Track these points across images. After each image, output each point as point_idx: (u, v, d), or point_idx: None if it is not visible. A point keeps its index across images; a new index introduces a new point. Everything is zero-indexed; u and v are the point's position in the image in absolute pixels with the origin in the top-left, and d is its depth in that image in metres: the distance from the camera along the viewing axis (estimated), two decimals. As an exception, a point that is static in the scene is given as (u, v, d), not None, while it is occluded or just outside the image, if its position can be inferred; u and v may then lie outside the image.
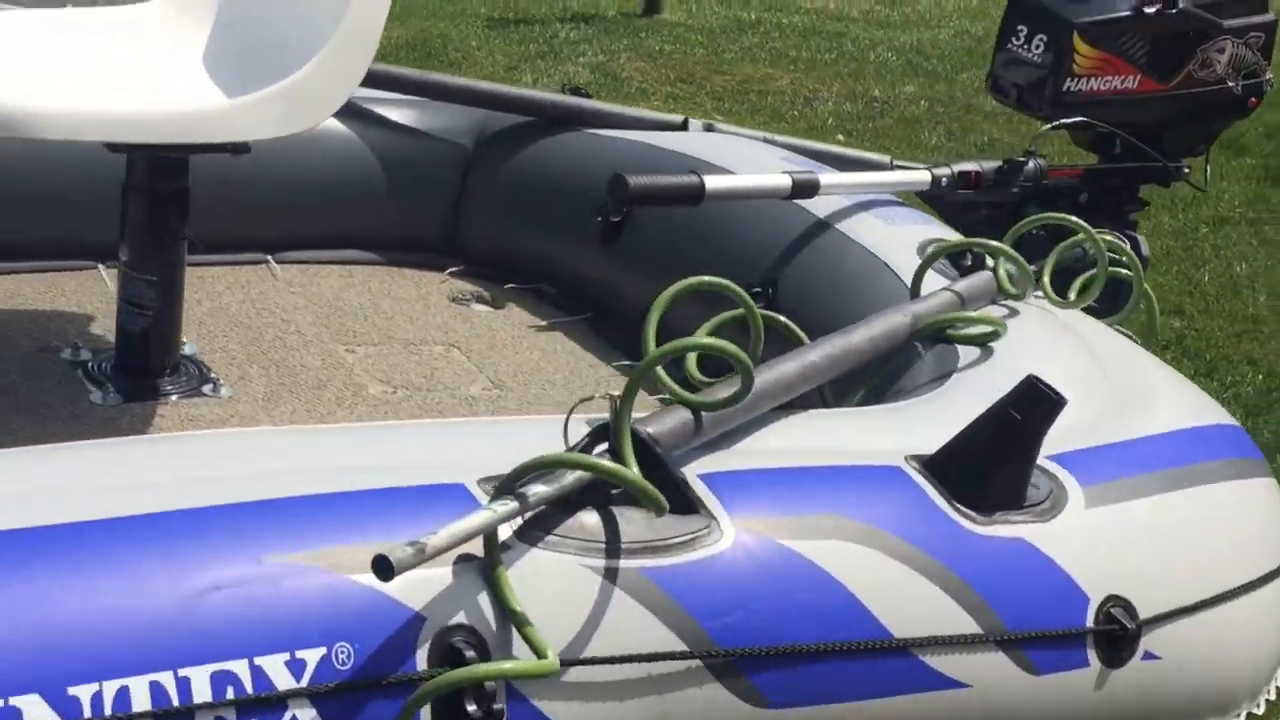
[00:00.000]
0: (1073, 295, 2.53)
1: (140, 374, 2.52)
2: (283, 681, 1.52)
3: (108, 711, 1.45)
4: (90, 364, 2.56)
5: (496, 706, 1.56)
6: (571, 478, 1.68)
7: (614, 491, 1.74)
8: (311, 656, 1.54)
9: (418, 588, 1.58)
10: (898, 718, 1.84)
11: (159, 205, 2.44)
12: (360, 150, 3.09)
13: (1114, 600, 1.98)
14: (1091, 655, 1.96)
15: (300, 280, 3.00)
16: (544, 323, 2.97)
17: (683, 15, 7.96)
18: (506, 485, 1.64)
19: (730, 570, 1.77)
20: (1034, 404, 1.94)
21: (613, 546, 1.71)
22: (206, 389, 2.54)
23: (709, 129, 3.13)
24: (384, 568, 1.49)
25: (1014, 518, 1.96)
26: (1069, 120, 2.90)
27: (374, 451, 1.81)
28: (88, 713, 1.45)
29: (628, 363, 2.80)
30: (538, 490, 1.64)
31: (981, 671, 1.88)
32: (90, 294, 2.84)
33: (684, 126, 3.12)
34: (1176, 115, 3.03)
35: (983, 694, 1.89)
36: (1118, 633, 1.97)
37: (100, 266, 2.88)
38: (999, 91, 3.01)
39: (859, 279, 2.58)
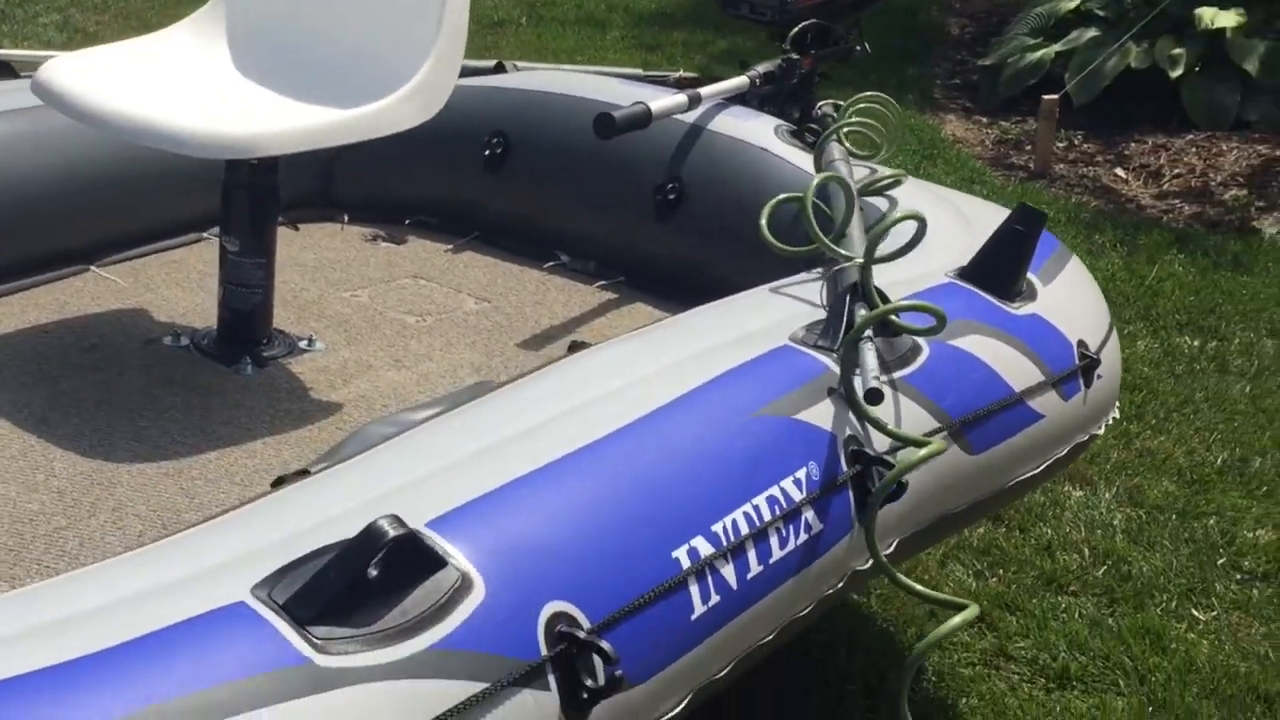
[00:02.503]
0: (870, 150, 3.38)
1: (247, 345, 2.93)
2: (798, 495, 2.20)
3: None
4: (197, 344, 2.94)
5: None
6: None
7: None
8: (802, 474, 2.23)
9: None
10: (1025, 446, 2.70)
11: (264, 199, 2.86)
12: None
13: (1081, 344, 2.91)
14: (1080, 382, 2.88)
15: None
16: (449, 247, 3.53)
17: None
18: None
19: (947, 367, 2.55)
20: (1029, 220, 2.81)
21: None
22: (303, 344, 2.99)
23: (516, 69, 3.74)
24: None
25: (1023, 302, 2.83)
26: (806, 23, 3.73)
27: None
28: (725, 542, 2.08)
29: (555, 261, 3.44)
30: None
31: (1047, 404, 2.76)
32: (140, 287, 3.16)
33: (500, 69, 3.72)
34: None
35: (1050, 420, 2.77)
36: (1089, 364, 2.90)
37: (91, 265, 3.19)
38: (730, 6, 3.80)
39: (750, 165, 3.31)
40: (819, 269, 2.79)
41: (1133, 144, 6.72)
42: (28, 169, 3.07)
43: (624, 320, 3.20)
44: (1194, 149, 6.60)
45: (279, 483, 2.10)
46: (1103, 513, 4.07)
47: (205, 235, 3.38)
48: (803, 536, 2.22)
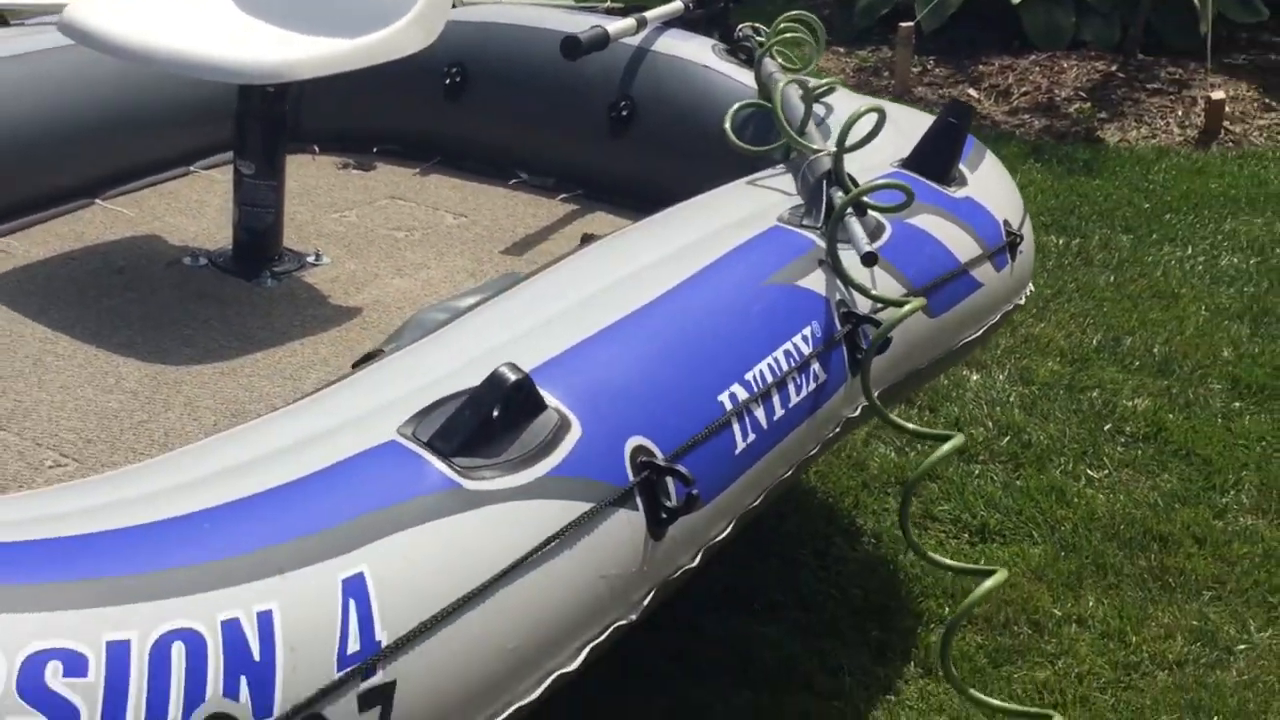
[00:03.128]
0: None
1: (262, 261, 3.19)
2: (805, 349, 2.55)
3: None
4: (215, 262, 3.19)
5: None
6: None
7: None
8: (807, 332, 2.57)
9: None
10: (969, 311, 3.07)
11: (276, 125, 3.12)
12: None
13: (1006, 223, 3.28)
14: (1008, 256, 3.25)
15: (222, 187, 3.65)
16: (416, 171, 3.80)
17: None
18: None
19: (907, 242, 2.91)
20: (960, 113, 3.18)
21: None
22: (310, 259, 3.25)
23: (463, 4, 4.01)
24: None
25: (958, 187, 3.19)
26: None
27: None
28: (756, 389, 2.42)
29: (517, 179, 3.74)
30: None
31: (985, 274, 3.13)
32: (147, 216, 3.39)
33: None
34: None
35: (987, 289, 3.15)
36: (1014, 240, 3.28)
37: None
38: None
39: (693, 81, 3.63)
40: (781, 165, 3.12)
41: (981, 66, 7.17)
42: (34, 110, 3.29)
43: (591, 226, 3.51)
44: (1037, 68, 7.06)
45: (361, 363, 2.39)
46: (1000, 391, 4.49)
47: (192, 169, 3.63)
48: (811, 385, 2.57)
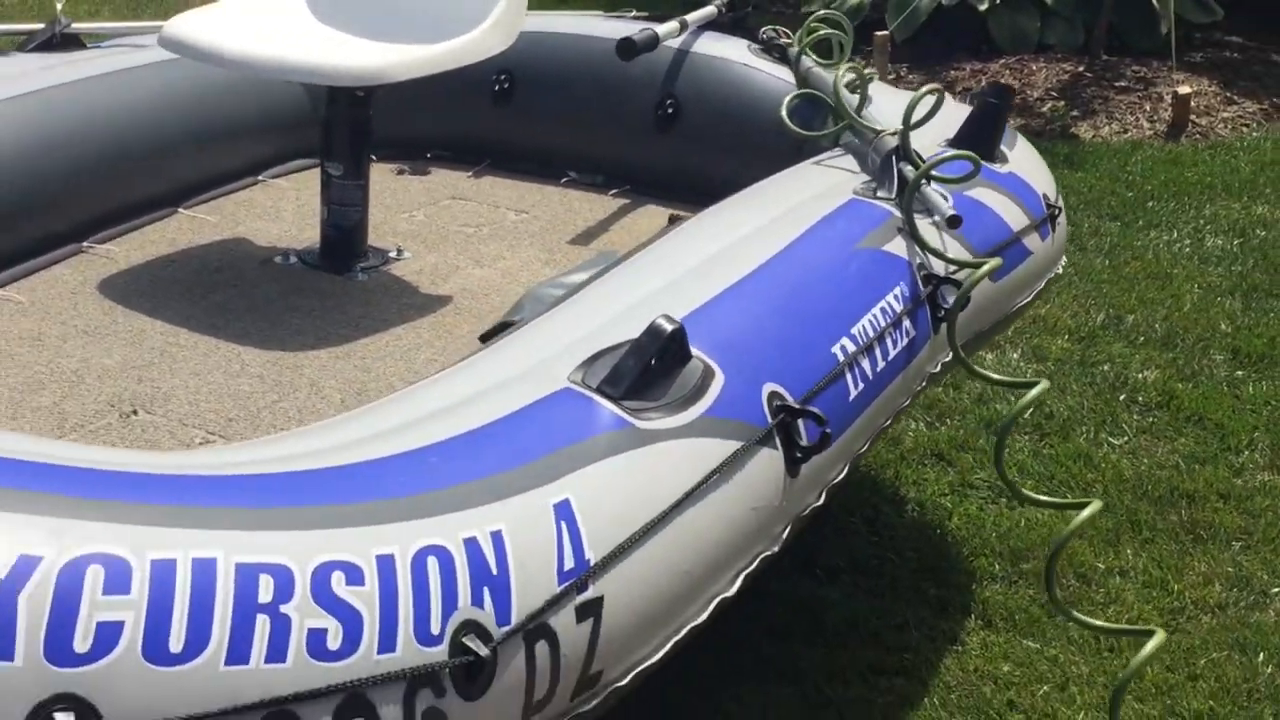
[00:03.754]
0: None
1: (350, 258, 3.36)
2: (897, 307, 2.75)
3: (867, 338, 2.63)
4: (305, 260, 3.36)
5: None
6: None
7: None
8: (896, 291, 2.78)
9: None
10: (1023, 277, 3.28)
11: (361, 128, 3.30)
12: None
13: (1045, 196, 3.50)
14: (1049, 226, 3.47)
15: (292, 193, 3.81)
16: (469, 174, 3.99)
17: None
18: None
19: (969, 213, 3.11)
20: (1001, 95, 3.40)
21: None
22: (392, 254, 3.43)
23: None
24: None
25: (1001, 164, 3.41)
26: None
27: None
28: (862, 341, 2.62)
29: (567, 178, 3.93)
30: None
31: (1033, 243, 3.35)
32: (228, 222, 3.56)
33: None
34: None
35: (1036, 256, 3.36)
36: (1053, 212, 3.50)
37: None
38: None
39: (734, 79, 3.84)
40: (837, 149, 3.33)
41: (953, 71, 7.42)
42: (124, 125, 3.45)
43: (644, 219, 3.71)
44: (1008, 71, 7.32)
45: (490, 335, 2.57)
46: (1016, 368, 4.71)
47: (261, 178, 3.80)
48: (904, 340, 2.77)
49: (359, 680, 1.69)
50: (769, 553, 2.38)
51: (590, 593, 1.96)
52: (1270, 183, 6.39)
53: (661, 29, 3.77)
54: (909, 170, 3.00)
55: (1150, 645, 2.53)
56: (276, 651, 1.64)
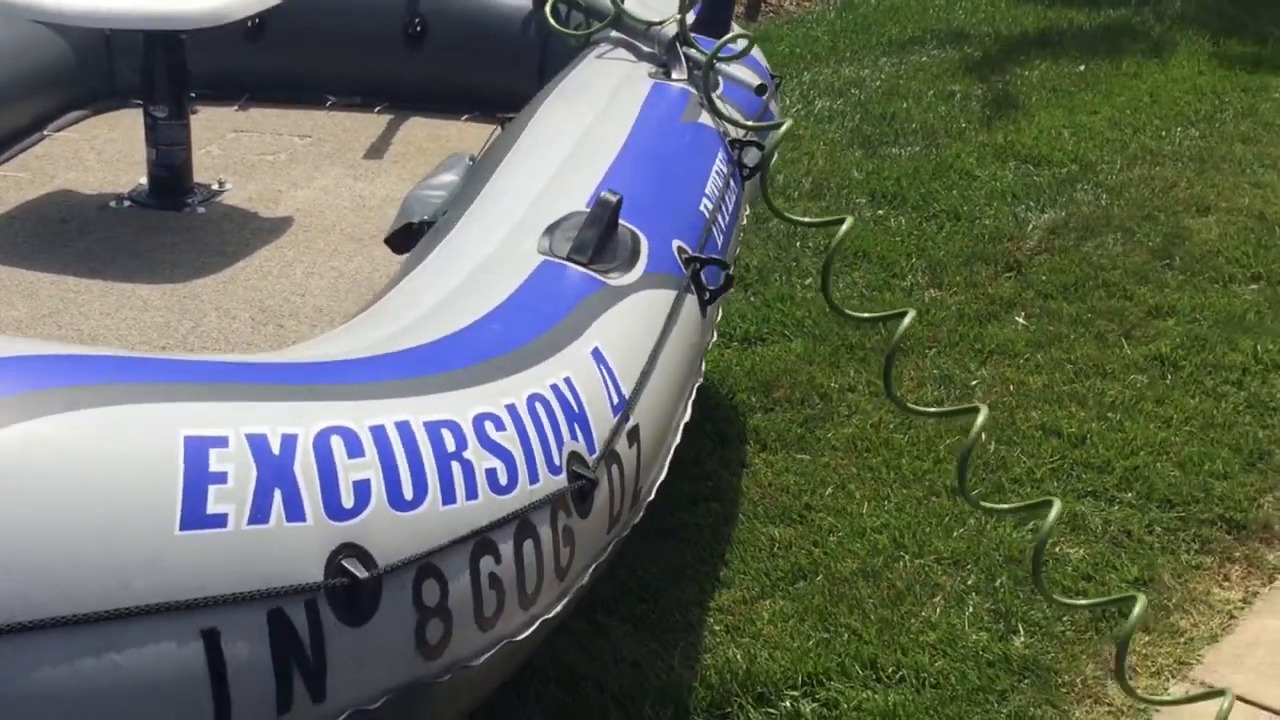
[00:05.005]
0: None
1: (179, 194, 3.47)
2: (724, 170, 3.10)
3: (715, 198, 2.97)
4: (137, 200, 3.44)
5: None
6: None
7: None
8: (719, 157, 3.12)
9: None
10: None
11: (180, 71, 3.40)
12: None
13: (766, 65, 3.88)
14: (777, 92, 3.86)
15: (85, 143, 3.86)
16: (234, 108, 4.09)
17: None
18: None
19: (732, 86, 3.47)
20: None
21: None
22: (214, 186, 3.55)
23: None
24: None
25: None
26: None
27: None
28: (712, 204, 2.96)
29: (330, 101, 4.10)
30: None
31: (773, 108, 3.74)
32: (41, 176, 3.60)
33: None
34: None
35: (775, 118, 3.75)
36: (778, 80, 3.89)
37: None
38: None
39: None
40: (606, 44, 3.62)
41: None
42: None
43: (416, 128, 3.93)
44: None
45: (398, 235, 2.80)
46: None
47: (46, 133, 3.82)
48: (733, 195, 3.12)
49: (525, 508, 1.95)
50: (699, 383, 2.71)
51: (630, 421, 2.26)
52: (848, 47, 7.02)
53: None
54: (694, 54, 3.34)
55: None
56: (470, 491, 1.89)
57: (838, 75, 6.66)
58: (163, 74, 3.40)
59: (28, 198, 3.49)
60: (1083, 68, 6.71)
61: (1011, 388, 4.18)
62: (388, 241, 2.89)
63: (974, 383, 4.23)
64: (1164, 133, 5.98)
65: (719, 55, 3.33)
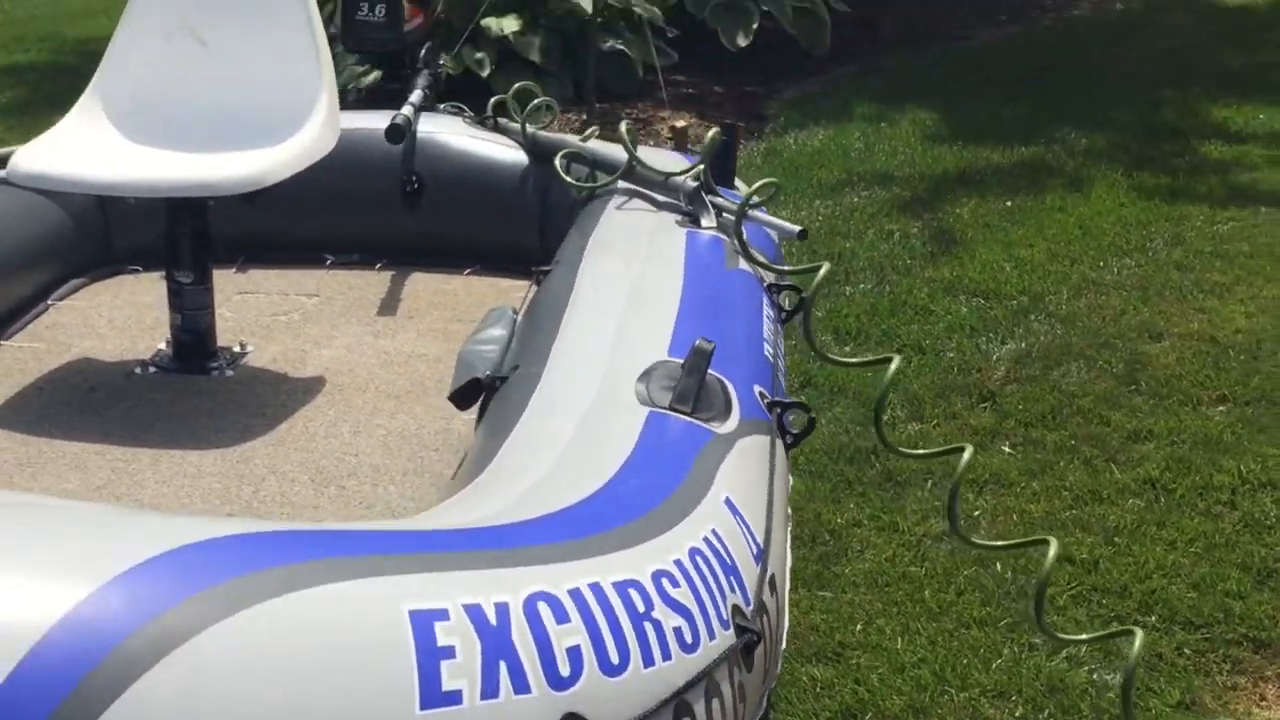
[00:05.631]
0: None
1: (202, 358, 3.35)
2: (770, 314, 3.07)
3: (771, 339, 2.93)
4: (162, 366, 3.31)
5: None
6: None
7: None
8: (763, 300, 3.09)
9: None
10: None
11: (204, 236, 3.30)
12: None
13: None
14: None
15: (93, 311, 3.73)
16: (233, 270, 3.98)
17: None
18: None
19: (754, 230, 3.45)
20: (732, 131, 3.75)
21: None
22: (236, 349, 3.43)
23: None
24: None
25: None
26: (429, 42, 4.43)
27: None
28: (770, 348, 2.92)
29: (330, 260, 4.00)
30: None
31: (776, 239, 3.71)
32: (57, 347, 3.47)
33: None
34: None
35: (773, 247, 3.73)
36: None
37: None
38: (356, 45, 4.44)
39: (469, 152, 4.02)
40: (620, 196, 3.58)
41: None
42: None
43: (419, 283, 3.86)
44: (522, 127, 7.71)
45: (462, 392, 2.72)
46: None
47: (50, 303, 3.69)
48: (778, 338, 3.07)
49: (709, 665, 1.87)
50: (790, 526, 2.65)
51: (769, 570, 2.19)
52: (781, 191, 7.05)
53: (406, 113, 3.92)
54: (722, 201, 3.32)
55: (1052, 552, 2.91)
56: (665, 651, 1.80)
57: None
58: (186, 240, 3.30)
59: (48, 368, 3.35)
60: (1010, 203, 6.81)
61: (1015, 516, 4.16)
62: (451, 398, 2.80)
63: (976, 513, 4.19)
64: (1101, 263, 6.07)
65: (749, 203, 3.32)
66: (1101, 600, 3.82)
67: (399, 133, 3.82)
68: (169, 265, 3.32)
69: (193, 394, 3.23)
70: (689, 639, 1.85)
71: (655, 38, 7.92)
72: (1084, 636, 3.22)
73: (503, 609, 1.63)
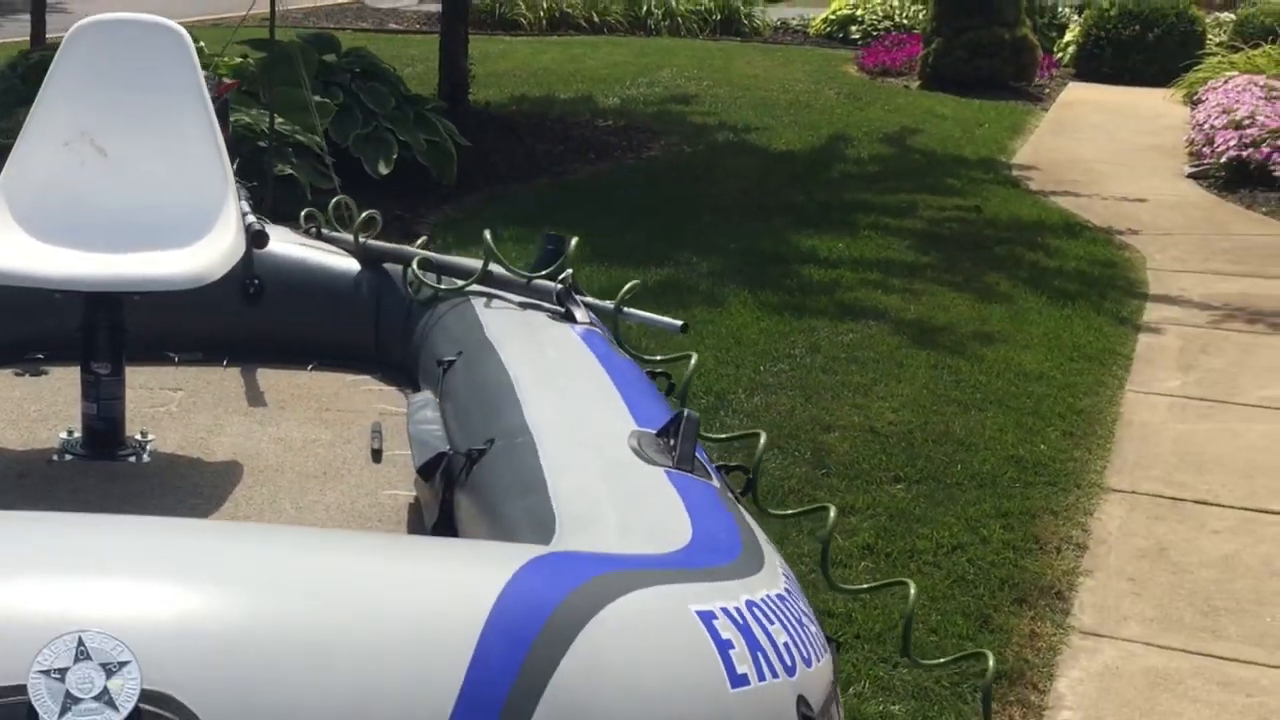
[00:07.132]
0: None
1: (114, 446, 3.36)
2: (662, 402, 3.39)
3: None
4: (77, 453, 3.30)
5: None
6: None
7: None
8: (649, 387, 3.41)
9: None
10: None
11: (120, 329, 3.34)
12: None
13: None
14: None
15: None
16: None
17: None
18: None
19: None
20: (560, 239, 4.05)
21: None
22: (138, 438, 3.45)
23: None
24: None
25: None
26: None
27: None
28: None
29: (173, 360, 4.01)
30: None
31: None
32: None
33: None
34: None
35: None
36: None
37: None
38: None
39: (302, 257, 4.15)
40: (475, 299, 3.80)
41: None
42: None
43: (266, 378, 3.93)
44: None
45: (428, 467, 2.92)
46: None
47: None
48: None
49: (833, 675, 2.16)
50: None
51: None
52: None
53: (255, 226, 4.04)
54: (593, 300, 3.63)
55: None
56: (817, 651, 2.10)
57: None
58: (104, 332, 3.33)
59: (-46, 464, 3.30)
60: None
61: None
62: (420, 470, 2.99)
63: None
64: (761, 367, 6.64)
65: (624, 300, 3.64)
66: (864, 646, 4.27)
67: (262, 238, 3.94)
68: (85, 356, 3.33)
69: (125, 478, 3.25)
70: (823, 642, 2.14)
71: (317, 163, 8.10)
72: (864, 586, 3.67)
73: (739, 611, 1.89)
